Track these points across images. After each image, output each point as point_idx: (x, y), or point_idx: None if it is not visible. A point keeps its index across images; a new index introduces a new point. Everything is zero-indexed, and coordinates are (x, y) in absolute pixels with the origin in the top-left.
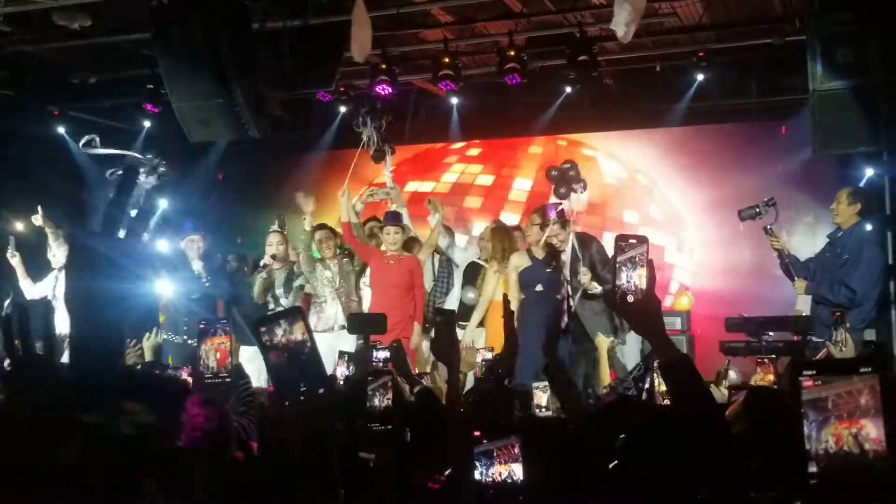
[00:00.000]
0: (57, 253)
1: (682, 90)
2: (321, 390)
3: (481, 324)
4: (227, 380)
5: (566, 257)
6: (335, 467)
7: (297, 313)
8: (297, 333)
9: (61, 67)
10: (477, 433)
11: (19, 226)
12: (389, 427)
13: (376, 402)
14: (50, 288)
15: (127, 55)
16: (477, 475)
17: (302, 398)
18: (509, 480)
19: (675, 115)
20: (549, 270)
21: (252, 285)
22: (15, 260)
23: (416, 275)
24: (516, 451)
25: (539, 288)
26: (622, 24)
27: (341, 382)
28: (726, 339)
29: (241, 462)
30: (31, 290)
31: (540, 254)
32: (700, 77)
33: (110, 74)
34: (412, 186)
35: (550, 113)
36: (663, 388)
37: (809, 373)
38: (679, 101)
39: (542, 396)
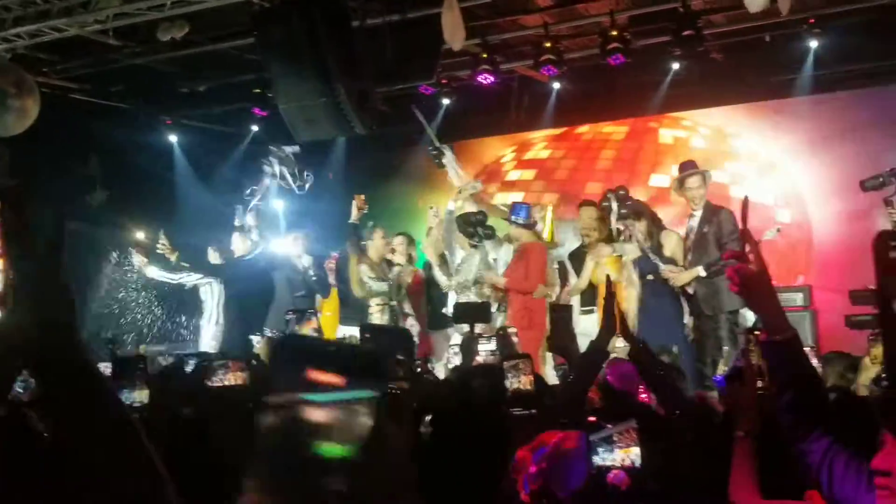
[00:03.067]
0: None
1: (795, 60)
2: None
3: (592, 309)
4: None
5: (694, 223)
6: None
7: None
8: None
9: (171, 77)
10: (592, 418)
11: (140, 235)
12: (533, 411)
13: (513, 383)
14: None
15: (233, 61)
16: (598, 461)
17: None
18: (631, 465)
19: (789, 86)
20: (655, 260)
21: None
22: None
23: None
24: (636, 435)
25: (650, 277)
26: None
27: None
28: (852, 313)
29: None
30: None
31: (647, 242)
32: (814, 45)
33: (218, 81)
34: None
35: (661, 93)
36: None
37: None
38: (791, 72)
39: None
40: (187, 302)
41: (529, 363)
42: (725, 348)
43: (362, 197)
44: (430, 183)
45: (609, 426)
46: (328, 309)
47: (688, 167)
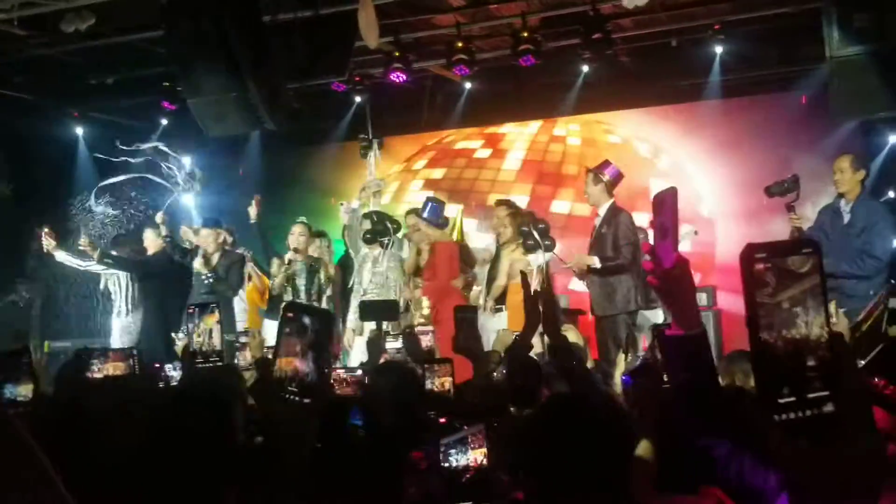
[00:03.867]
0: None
1: (700, 65)
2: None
3: (502, 308)
4: (219, 362)
5: (598, 222)
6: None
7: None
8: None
9: (79, 69)
10: (442, 420)
11: (44, 228)
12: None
13: (428, 385)
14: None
15: (143, 54)
16: (452, 461)
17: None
18: (479, 465)
19: (694, 90)
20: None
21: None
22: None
23: None
24: (485, 436)
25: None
26: None
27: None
28: None
29: None
30: None
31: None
32: (718, 50)
33: (127, 74)
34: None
35: (572, 94)
36: None
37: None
38: (697, 76)
39: None
40: (96, 296)
41: (446, 366)
42: (625, 337)
43: (258, 197)
44: (343, 180)
45: (464, 428)
46: (250, 303)
47: (600, 167)
